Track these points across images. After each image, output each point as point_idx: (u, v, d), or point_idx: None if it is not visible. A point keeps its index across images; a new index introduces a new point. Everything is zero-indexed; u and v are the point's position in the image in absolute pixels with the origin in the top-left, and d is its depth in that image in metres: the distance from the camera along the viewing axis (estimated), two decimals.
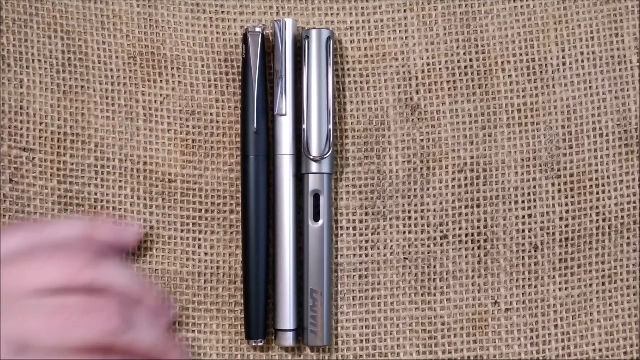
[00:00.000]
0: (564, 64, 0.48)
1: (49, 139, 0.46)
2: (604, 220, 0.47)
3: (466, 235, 0.47)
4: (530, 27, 0.48)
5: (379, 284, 0.47)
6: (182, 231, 0.47)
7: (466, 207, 0.47)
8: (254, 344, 0.46)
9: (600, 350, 0.47)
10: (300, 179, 0.46)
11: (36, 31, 0.47)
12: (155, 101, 0.47)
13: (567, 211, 0.47)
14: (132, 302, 0.41)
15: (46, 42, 0.47)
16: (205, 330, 0.47)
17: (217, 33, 0.48)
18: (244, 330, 0.46)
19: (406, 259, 0.47)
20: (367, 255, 0.47)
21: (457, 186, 0.47)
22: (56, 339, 0.38)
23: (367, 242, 0.47)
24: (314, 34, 0.46)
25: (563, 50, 0.48)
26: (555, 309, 0.47)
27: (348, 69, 0.48)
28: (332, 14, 0.48)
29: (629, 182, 0.47)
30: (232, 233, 0.47)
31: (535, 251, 0.47)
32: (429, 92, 0.48)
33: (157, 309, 0.43)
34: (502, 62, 0.48)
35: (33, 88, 0.47)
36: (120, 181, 0.47)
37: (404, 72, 0.48)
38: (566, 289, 0.47)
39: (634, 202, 0.47)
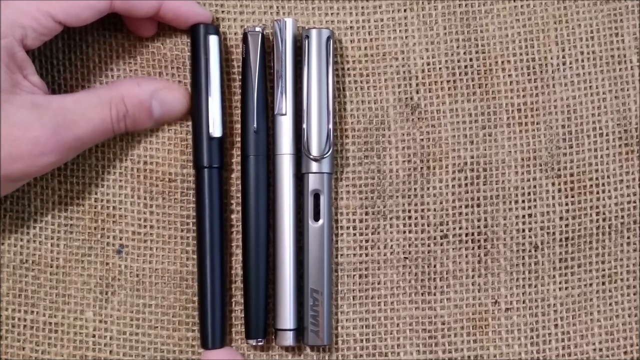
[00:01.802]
0: (563, 64, 0.48)
1: None
2: (604, 220, 0.47)
3: (466, 235, 0.47)
4: (530, 27, 0.48)
5: (379, 283, 0.47)
6: (182, 230, 0.47)
7: (466, 206, 0.47)
8: (254, 344, 0.46)
9: (600, 349, 0.47)
10: (300, 178, 0.46)
11: None
12: None
13: (567, 210, 0.47)
14: None
15: (47, 42, 0.47)
16: None
17: None
18: (244, 330, 0.46)
19: (406, 258, 0.47)
20: (367, 255, 0.47)
21: (457, 185, 0.47)
22: None
23: (367, 241, 0.47)
24: (313, 33, 0.46)
25: (563, 50, 0.48)
26: (555, 308, 0.47)
27: (348, 69, 0.48)
28: (332, 14, 0.48)
29: (629, 181, 0.47)
30: (232, 233, 0.47)
31: (535, 250, 0.47)
32: (429, 92, 0.48)
33: None
34: (502, 62, 0.48)
35: None
36: (120, 180, 0.47)
37: (404, 72, 0.48)
38: (566, 288, 0.47)
39: (634, 202, 0.47)
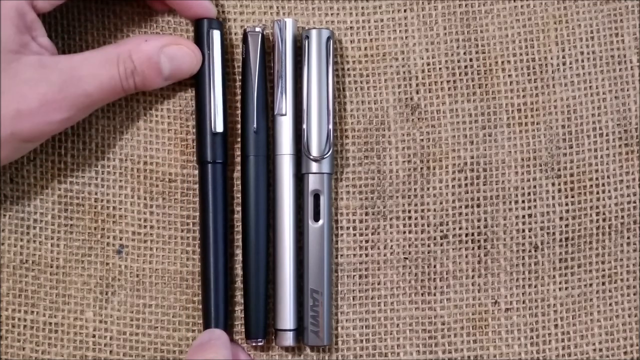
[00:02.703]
0: (563, 64, 0.48)
1: (49, 140, 0.46)
2: (604, 220, 0.47)
3: (466, 235, 0.47)
4: (530, 27, 0.48)
5: (379, 283, 0.47)
6: (182, 230, 0.47)
7: (466, 206, 0.47)
8: (254, 344, 0.46)
9: (600, 349, 0.47)
10: (300, 178, 0.46)
11: None
12: (155, 101, 0.47)
13: (567, 211, 0.47)
14: None
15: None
16: None
17: None
18: (244, 330, 0.46)
19: (406, 258, 0.47)
20: (367, 255, 0.47)
21: (457, 186, 0.47)
22: None
23: (367, 241, 0.47)
24: (313, 33, 0.46)
25: (563, 50, 0.48)
26: (555, 308, 0.47)
27: (348, 69, 0.48)
28: (332, 14, 0.48)
29: (629, 181, 0.47)
30: (231, 233, 0.47)
31: (535, 251, 0.47)
32: (429, 92, 0.48)
33: None
34: (502, 62, 0.48)
35: None
36: (121, 181, 0.47)
37: (404, 72, 0.48)
38: (566, 288, 0.47)
39: (634, 202, 0.47)
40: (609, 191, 0.47)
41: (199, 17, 0.46)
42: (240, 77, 0.47)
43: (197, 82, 0.46)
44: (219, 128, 0.46)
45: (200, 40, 0.46)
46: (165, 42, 0.45)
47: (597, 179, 0.47)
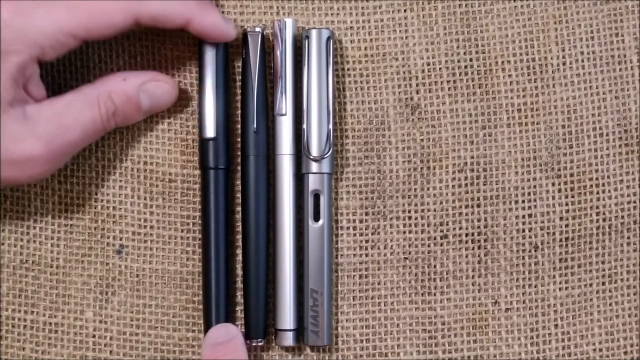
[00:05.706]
0: (564, 64, 0.48)
1: None
2: (604, 220, 0.47)
3: (466, 235, 0.47)
4: (530, 27, 0.48)
5: (379, 283, 0.47)
6: (182, 231, 0.47)
7: (466, 206, 0.47)
8: (254, 344, 0.46)
9: (601, 349, 0.47)
10: (300, 178, 0.46)
11: None
12: None
13: (567, 211, 0.47)
14: None
15: None
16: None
17: None
18: (244, 330, 0.46)
19: (406, 258, 0.47)
20: (367, 255, 0.47)
21: (457, 186, 0.47)
22: None
23: (367, 241, 0.47)
24: (314, 33, 0.46)
25: (563, 50, 0.48)
26: (555, 308, 0.47)
27: (348, 69, 0.48)
28: (332, 14, 0.48)
29: (629, 181, 0.47)
30: (231, 233, 0.47)
31: (535, 251, 0.47)
32: (429, 92, 0.48)
33: None
34: (502, 62, 0.48)
35: None
36: (120, 181, 0.47)
37: (404, 72, 0.48)
38: (566, 288, 0.47)
39: (634, 202, 0.47)
40: (609, 191, 0.47)
41: (219, 41, 0.46)
42: (240, 77, 0.47)
43: (200, 88, 0.46)
44: (211, 133, 0.46)
45: (204, 45, 0.46)
46: (144, 79, 0.45)
47: (597, 179, 0.47)
